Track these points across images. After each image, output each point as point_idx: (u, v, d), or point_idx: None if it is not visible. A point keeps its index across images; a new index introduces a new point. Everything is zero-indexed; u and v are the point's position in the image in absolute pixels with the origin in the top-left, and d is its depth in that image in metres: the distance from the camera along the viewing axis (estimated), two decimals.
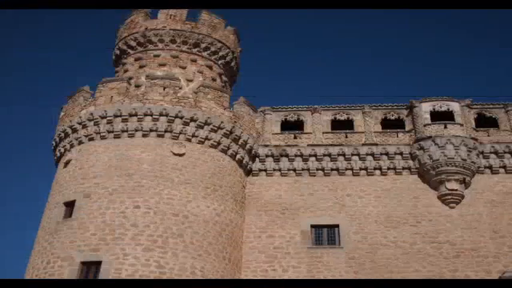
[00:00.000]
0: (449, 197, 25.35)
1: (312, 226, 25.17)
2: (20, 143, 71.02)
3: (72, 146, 25.20)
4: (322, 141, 27.23)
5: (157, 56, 28.44)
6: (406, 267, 23.75)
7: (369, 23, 75.98)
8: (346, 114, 28.20)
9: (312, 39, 75.39)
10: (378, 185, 26.20)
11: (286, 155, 26.85)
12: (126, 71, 28.86)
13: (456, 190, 25.34)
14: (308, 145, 27.08)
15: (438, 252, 24.08)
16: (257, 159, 26.95)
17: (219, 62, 29.81)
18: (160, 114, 24.39)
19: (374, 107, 28.26)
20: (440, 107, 27.32)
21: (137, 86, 25.56)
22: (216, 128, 25.05)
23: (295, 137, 27.60)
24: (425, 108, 27.27)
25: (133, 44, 29.22)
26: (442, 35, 71.76)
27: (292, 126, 28.27)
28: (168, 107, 24.61)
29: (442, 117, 27.11)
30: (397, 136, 27.35)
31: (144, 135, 24.21)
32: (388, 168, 26.48)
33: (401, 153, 26.54)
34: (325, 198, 25.90)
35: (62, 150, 25.85)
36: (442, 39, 71.94)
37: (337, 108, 28.45)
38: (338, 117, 28.16)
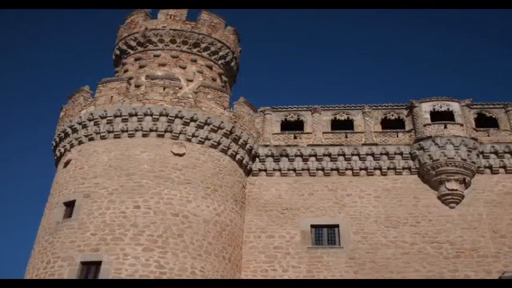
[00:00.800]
0: (449, 197, 25.35)
1: (312, 226, 25.16)
2: (20, 143, 71.08)
3: (72, 146, 25.21)
4: (322, 141, 27.23)
5: (158, 56, 28.44)
6: (406, 267, 23.75)
7: (369, 23, 76.03)
8: (346, 114, 28.21)
9: (312, 39, 75.43)
10: (378, 185, 26.19)
11: (286, 155, 26.85)
12: (126, 71, 28.87)
13: (456, 190, 25.33)
14: (308, 145, 27.07)
15: (438, 252, 24.07)
16: (257, 159, 26.95)
17: (219, 62, 29.82)
18: (160, 114, 24.39)
19: (374, 107, 28.26)
20: (440, 107, 27.32)
21: (137, 86, 25.57)
22: (216, 128, 25.05)
23: (295, 137, 27.59)
24: (425, 108, 27.26)
25: (133, 44, 29.23)
26: (442, 35, 71.80)
27: (292, 126, 28.27)
28: (168, 107, 24.61)
29: (442, 117, 27.11)
30: (397, 136, 27.34)
31: (144, 135, 24.21)
32: (388, 168, 26.48)
33: (401, 153, 26.54)
34: (325, 198, 25.91)
35: (62, 150, 25.85)
36: (442, 39, 71.98)
37: (337, 108, 28.46)
38: (338, 117, 28.16)
